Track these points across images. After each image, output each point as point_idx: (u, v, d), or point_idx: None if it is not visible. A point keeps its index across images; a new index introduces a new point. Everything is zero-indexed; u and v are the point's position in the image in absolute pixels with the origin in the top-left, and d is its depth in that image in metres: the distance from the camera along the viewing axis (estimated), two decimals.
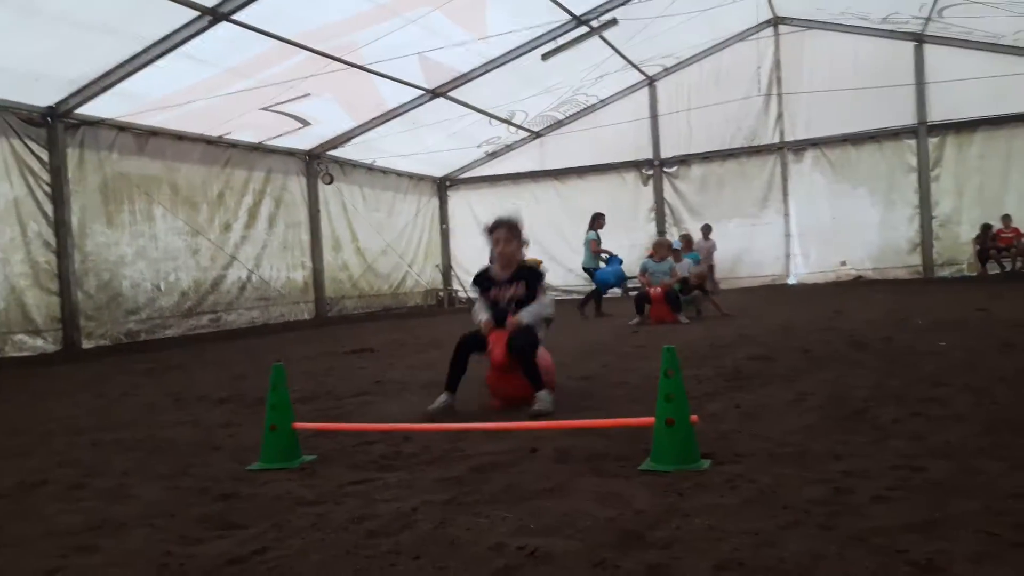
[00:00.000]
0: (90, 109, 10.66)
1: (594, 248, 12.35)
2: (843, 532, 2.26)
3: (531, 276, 4.70)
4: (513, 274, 4.69)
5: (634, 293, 11.25)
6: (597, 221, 12.78)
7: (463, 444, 3.70)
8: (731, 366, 5.74)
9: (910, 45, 16.22)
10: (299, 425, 3.65)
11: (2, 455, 4.15)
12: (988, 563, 1.98)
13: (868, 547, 2.14)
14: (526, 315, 4.55)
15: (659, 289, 10.03)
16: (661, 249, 10.49)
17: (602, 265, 12.49)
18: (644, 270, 10.41)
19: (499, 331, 4.55)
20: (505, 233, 4.66)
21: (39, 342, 10.22)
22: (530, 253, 15.52)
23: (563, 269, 18.49)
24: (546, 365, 4.63)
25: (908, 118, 16.37)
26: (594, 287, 12.74)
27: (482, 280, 4.82)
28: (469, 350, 4.61)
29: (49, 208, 10.43)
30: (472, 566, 2.18)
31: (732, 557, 2.12)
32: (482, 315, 4.69)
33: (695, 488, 2.79)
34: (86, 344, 10.69)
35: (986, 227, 15.42)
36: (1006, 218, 15.31)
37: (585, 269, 12.69)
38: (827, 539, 2.21)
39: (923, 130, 16.28)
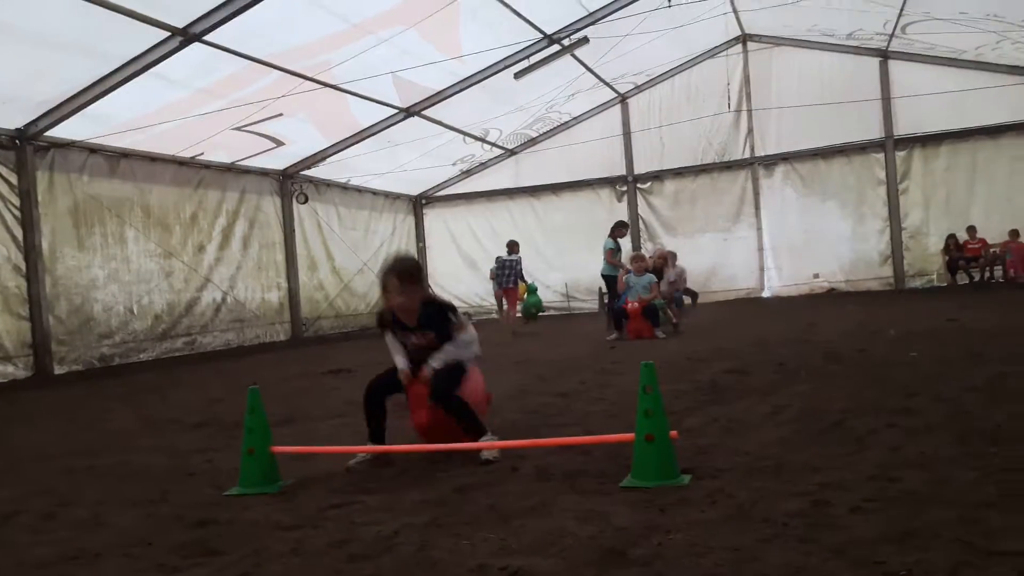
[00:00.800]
0: (60, 131, 10.54)
1: (608, 258, 12.02)
2: (822, 544, 2.29)
3: (438, 319, 3.97)
4: (418, 320, 3.97)
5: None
6: (617, 230, 12.36)
7: (443, 464, 3.69)
8: (708, 380, 5.78)
9: (875, 61, 16.53)
10: (277, 449, 3.62)
11: None
12: (965, 572, 2.01)
13: (847, 559, 2.16)
14: (437, 360, 3.90)
15: (636, 304, 10.08)
16: (641, 263, 10.54)
17: (622, 275, 11.36)
18: (627, 284, 10.45)
19: (418, 386, 3.94)
20: (395, 283, 3.87)
21: (9, 368, 10.03)
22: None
23: (540, 286, 18.51)
24: (475, 394, 4.01)
25: (875, 132, 16.66)
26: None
27: (386, 322, 4.09)
28: (383, 394, 3.99)
29: (18, 232, 10.27)
30: None
31: (714, 572, 2.14)
32: (397, 358, 4.04)
33: (676, 504, 2.80)
34: (58, 370, 10.51)
35: (951, 238, 15.70)
36: (971, 229, 15.60)
37: (603, 277, 12.31)
38: (807, 552, 2.24)
39: (890, 144, 16.57)
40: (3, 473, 4.33)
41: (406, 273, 3.93)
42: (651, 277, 10.43)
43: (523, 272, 14.30)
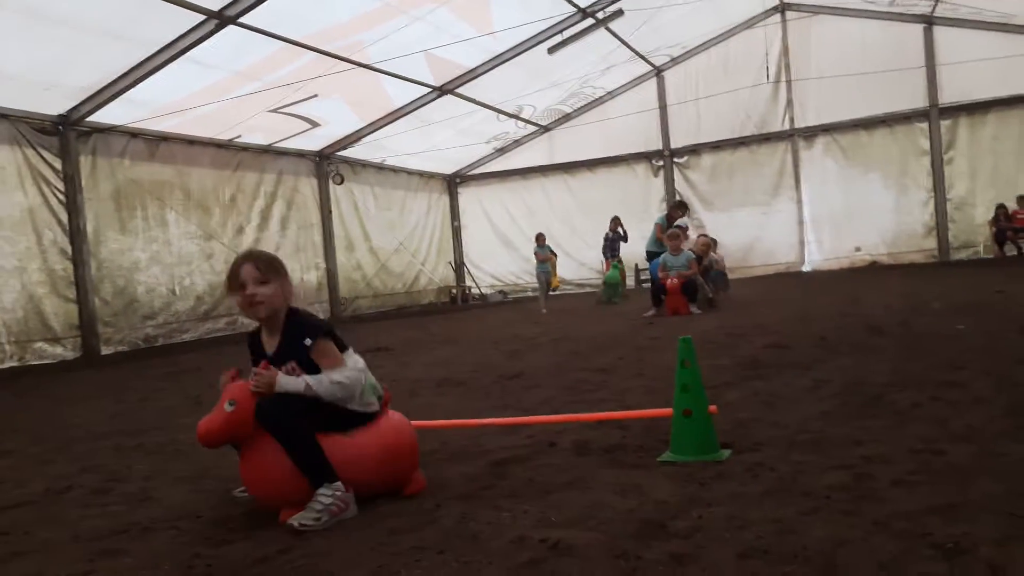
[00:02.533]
0: (101, 116, 10.73)
1: (658, 233, 12.00)
2: (865, 517, 2.26)
3: (300, 342, 2.84)
4: (280, 342, 2.89)
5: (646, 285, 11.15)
6: (674, 211, 12.48)
7: (481, 439, 3.72)
8: (748, 355, 5.72)
9: (919, 27, 16.07)
10: None
11: (27, 462, 4.20)
12: (1014, 545, 1.97)
13: (891, 532, 2.13)
14: (290, 382, 2.74)
15: (675, 280, 10.00)
16: (676, 241, 10.44)
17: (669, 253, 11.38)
18: (663, 265, 10.37)
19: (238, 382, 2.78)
20: (252, 271, 2.85)
21: (58, 349, 10.31)
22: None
23: (575, 263, 18.49)
24: (361, 465, 2.76)
25: (919, 101, 16.23)
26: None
27: (254, 346, 3.00)
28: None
29: (64, 216, 10.51)
30: (496, 559, 2.20)
31: (755, 545, 2.13)
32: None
33: (716, 478, 2.79)
34: (105, 350, 10.78)
35: (1000, 208, 15.29)
36: (1021, 199, 15.16)
37: (647, 252, 12.35)
38: (849, 525, 2.21)
39: (935, 113, 16.13)
40: (56, 451, 4.46)
41: (265, 261, 2.92)
42: (688, 255, 10.33)
43: (615, 247, 15.26)
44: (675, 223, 12.06)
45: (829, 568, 1.95)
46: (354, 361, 2.95)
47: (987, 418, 3.29)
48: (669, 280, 10.05)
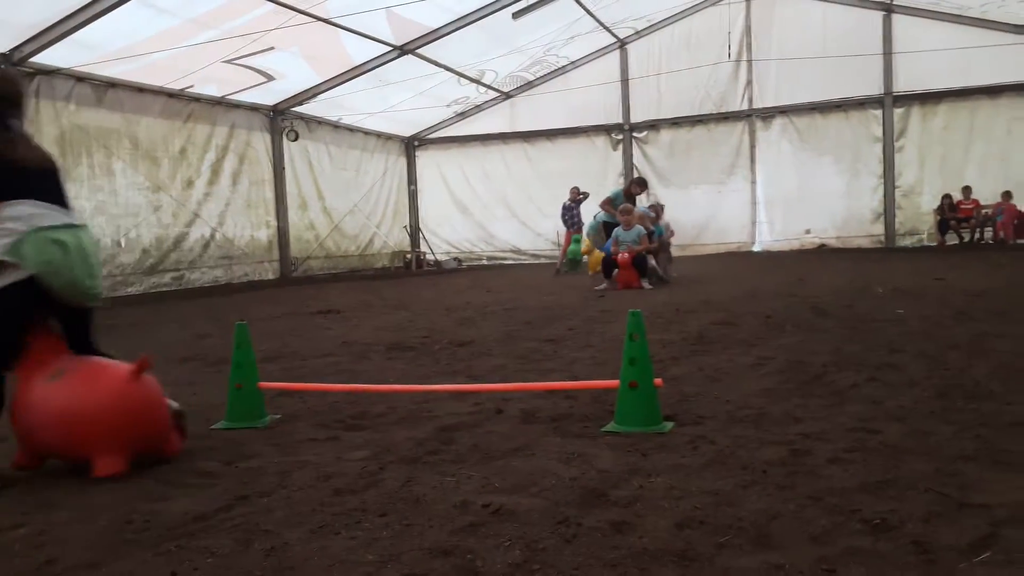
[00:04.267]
0: (46, 57, 10.28)
1: (606, 206, 11.95)
2: (800, 492, 2.33)
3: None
4: None
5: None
6: (633, 186, 12.40)
7: (429, 405, 3.73)
8: (695, 331, 5.81)
9: (879, 15, 16.28)
10: (265, 384, 3.63)
11: None
12: (937, 522, 2.06)
13: (823, 506, 2.21)
14: None
15: (627, 255, 10.08)
16: (628, 216, 10.50)
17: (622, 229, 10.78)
18: (615, 240, 10.44)
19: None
20: None
21: None
22: (500, 217, 15.30)
23: (532, 233, 18.48)
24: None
25: (875, 88, 16.49)
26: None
27: None
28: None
29: None
30: (437, 523, 2.21)
31: (692, 515, 2.18)
32: None
33: (657, 449, 2.85)
34: None
35: (946, 198, 15.71)
36: (966, 189, 15.58)
37: (603, 224, 12.39)
38: (784, 498, 2.28)
39: (889, 100, 16.42)
40: None
41: None
42: (640, 230, 10.41)
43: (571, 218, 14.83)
44: (624, 203, 12.08)
45: (762, 539, 2.01)
46: (14, 210, 2.71)
47: (919, 399, 3.40)
48: (620, 255, 10.13)
